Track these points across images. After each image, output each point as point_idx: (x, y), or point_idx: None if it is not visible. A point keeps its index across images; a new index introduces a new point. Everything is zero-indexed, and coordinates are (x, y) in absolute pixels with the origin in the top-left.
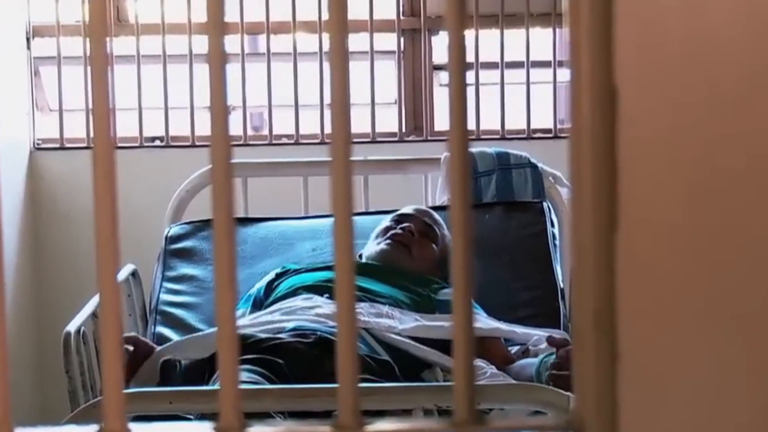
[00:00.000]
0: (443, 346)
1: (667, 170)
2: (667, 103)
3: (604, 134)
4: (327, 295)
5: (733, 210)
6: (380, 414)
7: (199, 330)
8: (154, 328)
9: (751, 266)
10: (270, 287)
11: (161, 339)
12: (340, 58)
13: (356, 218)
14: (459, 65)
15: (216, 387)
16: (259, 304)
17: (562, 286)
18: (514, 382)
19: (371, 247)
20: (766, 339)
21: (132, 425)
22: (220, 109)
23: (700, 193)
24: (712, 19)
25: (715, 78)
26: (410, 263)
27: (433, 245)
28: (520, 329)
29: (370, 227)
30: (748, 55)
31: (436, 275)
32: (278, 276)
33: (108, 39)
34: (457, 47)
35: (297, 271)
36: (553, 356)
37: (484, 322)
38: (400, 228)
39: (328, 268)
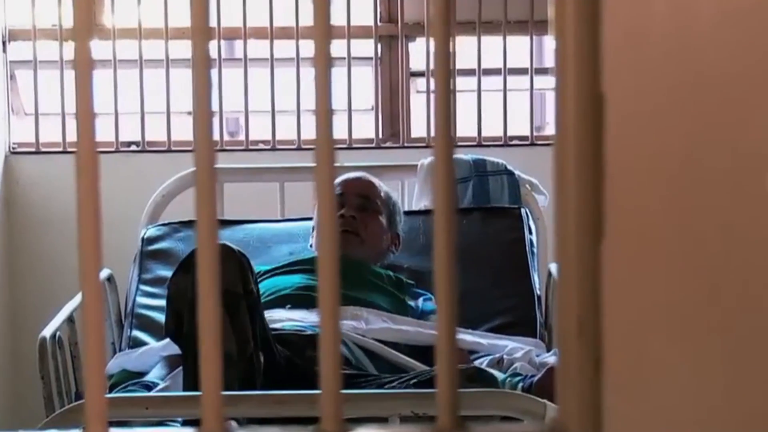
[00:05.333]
0: (411, 351)
1: (653, 177)
2: (655, 110)
3: (591, 142)
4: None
5: (720, 217)
6: (356, 420)
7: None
8: (130, 332)
9: (736, 274)
10: None
11: (137, 342)
12: (324, 66)
13: None
14: (444, 71)
15: (195, 393)
16: None
17: (539, 293)
18: (492, 389)
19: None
20: (748, 347)
21: (113, 431)
22: (204, 113)
23: (686, 200)
24: (699, 26)
25: (703, 85)
26: (364, 248)
27: (378, 215)
28: (486, 341)
29: None
30: (734, 61)
31: (390, 243)
32: None
33: (91, 42)
34: (443, 55)
35: (272, 272)
36: (517, 379)
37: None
38: (339, 216)
39: (301, 270)
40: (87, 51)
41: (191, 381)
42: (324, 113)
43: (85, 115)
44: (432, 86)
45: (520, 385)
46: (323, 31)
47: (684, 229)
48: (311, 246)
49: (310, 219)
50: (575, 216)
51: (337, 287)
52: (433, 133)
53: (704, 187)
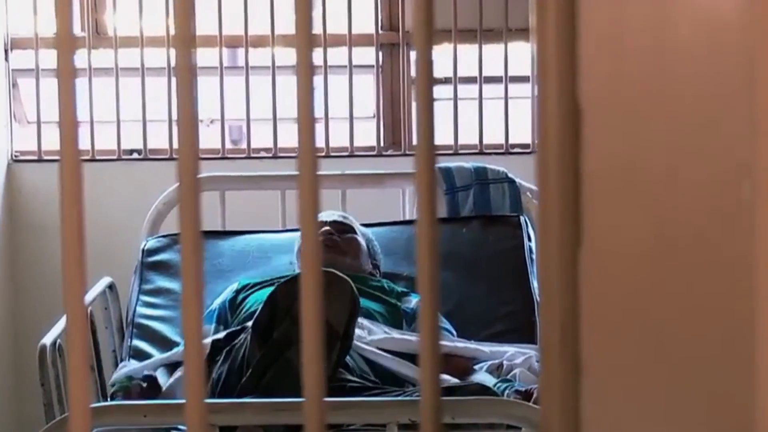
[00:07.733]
0: (411, 361)
1: (630, 186)
2: (631, 121)
3: (569, 152)
4: None
5: (695, 227)
6: (354, 429)
7: (175, 343)
8: (131, 341)
9: (713, 283)
10: (234, 304)
11: (137, 352)
12: (305, 73)
13: None
14: (425, 79)
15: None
16: (224, 321)
17: (538, 299)
18: (490, 396)
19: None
20: (725, 354)
21: None
22: (188, 121)
23: (662, 210)
24: (675, 37)
25: (678, 96)
26: (348, 261)
27: (355, 236)
28: (488, 347)
29: None
30: (710, 73)
31: (371, 265)
32: (238, 292)
33: (74, 52)
34: (424, 65)
35: (260, 285)
36: (506, 385)
37: (450, 339)
38: (320, 235)
39: None
40: (70, 62)
41: (255, 379)
42: (306, 120)
43: (69, 126)
44: (435, 94)
45: (506, 392)
46: (305, 38)
47: (661, 238)
48: (291, 263)
49: None
50: (556, 223)
51: (318, 287)
52: (436, 141)
53: (679, 195)
